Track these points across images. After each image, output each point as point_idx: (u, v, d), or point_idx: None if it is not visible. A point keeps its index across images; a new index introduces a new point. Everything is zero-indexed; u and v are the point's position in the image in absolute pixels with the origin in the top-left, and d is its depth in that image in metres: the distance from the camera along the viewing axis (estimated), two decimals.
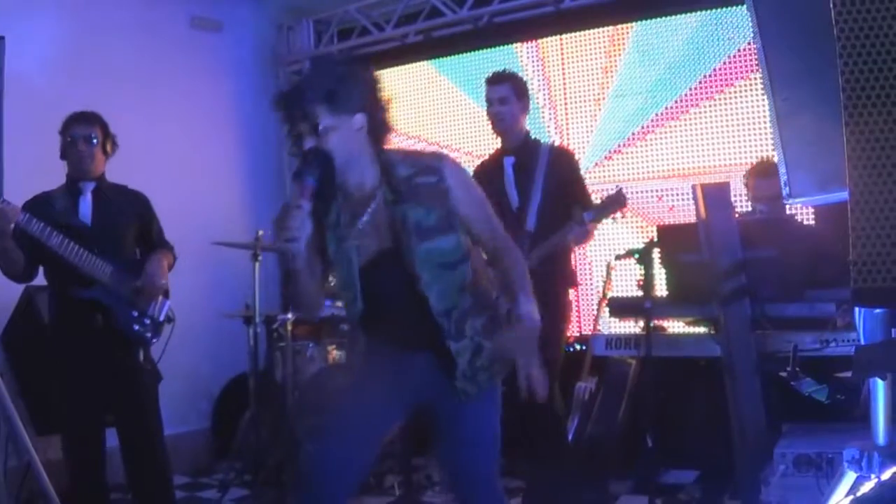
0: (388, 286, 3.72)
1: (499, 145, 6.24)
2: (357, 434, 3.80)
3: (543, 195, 5.83)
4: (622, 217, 6.17)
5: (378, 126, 3.72)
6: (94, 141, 5.38)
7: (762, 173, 6.04)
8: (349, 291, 3.77)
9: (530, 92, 6.15)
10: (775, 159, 6.16)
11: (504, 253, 3.84)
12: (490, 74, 6.13)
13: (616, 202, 5.62)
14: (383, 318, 3.80)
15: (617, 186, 5.84)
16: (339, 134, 3.60)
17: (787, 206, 5.93)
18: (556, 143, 7.24)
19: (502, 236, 3.87)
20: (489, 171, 6.12)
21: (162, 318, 5.53)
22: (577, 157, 6.42)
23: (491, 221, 3.86)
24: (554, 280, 5.86)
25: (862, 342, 2.78)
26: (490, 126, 6.10)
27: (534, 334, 3.66)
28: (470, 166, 6.99)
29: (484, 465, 3.96)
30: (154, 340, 5.51)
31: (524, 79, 6.17)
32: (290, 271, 3.68)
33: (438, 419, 3.99)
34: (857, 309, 2.74)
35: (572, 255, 6.13)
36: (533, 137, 6.18)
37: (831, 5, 2.37)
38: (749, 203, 6.32)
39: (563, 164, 5.98)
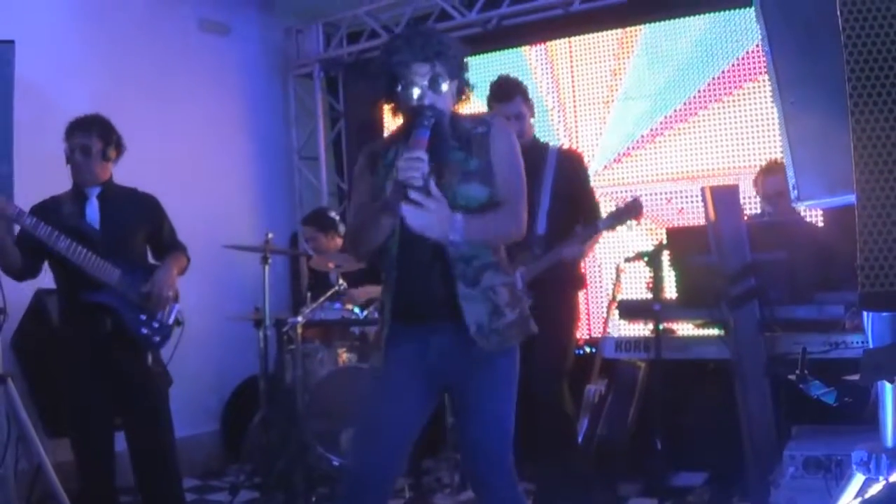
0: (421, 237, 3.74)
1: None
2: (394, 437, 3.92)
3: (553, 198, 5.84)
4: (637, 224, 6.16)
5: (461, 92, 4.00)
6: (92, 151, 5.37)
7: (769, 170, 6.06)
8: (390, 238, 3.88)
9: (539, 95, 6.15)
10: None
11: (502, 208, 3.89)
12: (496, 91, 6.05)
13: (632, 211, 5.61)
14: (412, 271, 3.90)
15: (626, 191, 5.84)
16: (448, 94, 3.89)
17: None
18: (565, 146, 7.22)
19: (513, 201, 3.92)
20: None
21: (171, 321, 5.52)
22: (585, 159, 6.41)
23: (512, 187, 3.93)
24: (562, 283, 5.87)
25: (870, 345, 2.79)
26: None
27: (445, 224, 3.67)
28: None
29: (500, 437, 3.98)
30: (163, 344, 5.50)
31: (523, 81, 6.15)
32: (374, 217, 3.80)
33: (459, 396, 4.06)
34: (865, 312, 2.74)
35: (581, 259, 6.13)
36: (540, 141, 6.18)
37: (838, 10, 2.38)
38: (758, 205, 6.32)
39: (571, 167, 5.98)
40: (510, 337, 3.94)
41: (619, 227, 5.81)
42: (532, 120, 6.08)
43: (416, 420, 4.02)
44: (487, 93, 6.06)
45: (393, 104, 4.00)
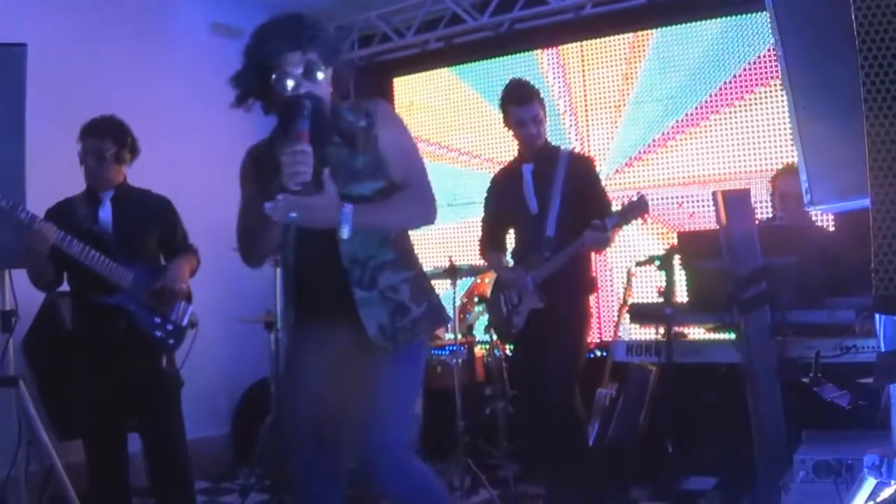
0: (316, 237, 3.73)
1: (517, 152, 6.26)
2: (315, 431, 3.92)
3: (563, 201, 5.85)
4: (643, 223, 6.16)
5: (340, 80, 3.93)
6: (106, 155, 5.39)
7: (783, 172, 6.06)
8: (286, 237, 3.90)
9: (551, 99, 6.16)
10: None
11: (401, 193, 3.82)
12: (515, 94, 6.06)
13: (638, 208, 5.62)
14: (308, 270, 3.91)
15: (638, 193, 5.85)
16: (324, 83, 3.80)
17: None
18: (576, 150, 7.22)
19: (414, 184, 3.84)
20: (508, 178, 6.15)
21: (185, 322, 5.53)
22: (597, 163, 6.41)
23: (410, 172, 3.87)
24: (574, 287, 5.88)
25: (882, 349, 2.78)
26: (517, 140, 6.09)
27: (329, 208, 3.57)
28: (490, 172, 7.01)
29: (391, 432, 3.81)
30: (176, 346, 5.51)
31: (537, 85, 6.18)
32: (263, 221, 3.63)
33: (357, 388, 3.90)
34: (877, 316, 2.74)
35: (592, 262, 6.13)
36: (552, 144, 6.19)
37: (853, 14, 2.38)
38: (770, 208, 6.32)
39: (582, 171, 5.99)
40: (418, 331, 3.92)
41: (626, 225, 5.81)
42: (545, 124, 6.09)
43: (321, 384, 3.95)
44: (501, 95, 6.07)
45: (265, 98, 3.90)
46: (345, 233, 3.57)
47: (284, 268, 3.99)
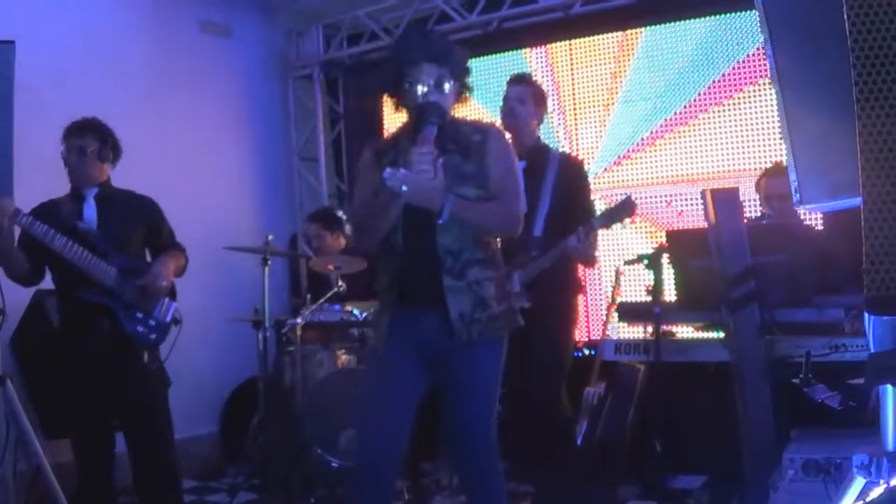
0: (420, 228, 4.12)
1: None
2: (393, 410, 4.24)
3: (552, 201, 5.85)
4: (631, 223, 6.16)
5: (461, 94, 4.32)
6: (87, 151, 5.39)
7: (773, 173, 6.08)
8: (393, 231, 4.20)
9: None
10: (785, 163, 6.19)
11: (495, 201, 4.24)
12: (514, 75, 6.27)
13: (624, 209, 5.62)
14: (409, 257, 4.19)
15: (626, 193, 5.86)
16: (450, 95, 4.23)
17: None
18: (567, 152, 7.22)
19: (507, 197, 4.27)
20: None
21: (168, 319, 5.51)
22: (585, 162, 6.42)
23: (507, 185, 4.27)
24: (560, 288, 5.87)
25: (871, 349, 2.78)
26: (501, 123, 6.13)
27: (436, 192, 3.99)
28: None
29: (480, 417, 4.26)
30: (159, 342, 5.49)
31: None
32: (383, 206, 4.08)
33: (443, 374, 4.29)
34: (867, 316, 2.74)
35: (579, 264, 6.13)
36: (545, 144, 6.21)
37: (845, 12, 2.37)
38: (758, 208, 6.33)
39: (572, 174, 6.00)
40: (495, 328, 4.24)
41: (613, 226, 5.82)
42: (538, 125, 6.16)
43: (412, 394, 4.31)
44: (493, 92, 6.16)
45: (396, 99, 4.32)
46: (444, 216, 4.00)
47: (389, 252, 4.25)
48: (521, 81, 6.14)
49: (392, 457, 4.23)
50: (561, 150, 6.84)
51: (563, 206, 5.84)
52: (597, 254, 5.99)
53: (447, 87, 4.20)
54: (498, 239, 4.48)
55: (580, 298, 6.22)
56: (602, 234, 6.07)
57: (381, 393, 4.31)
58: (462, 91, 4.32)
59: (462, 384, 4.26)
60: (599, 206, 6.24)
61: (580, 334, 6.82)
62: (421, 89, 4.15)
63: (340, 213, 8.13)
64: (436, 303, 4.13)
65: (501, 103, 6.09)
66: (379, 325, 4.37)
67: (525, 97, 6.01)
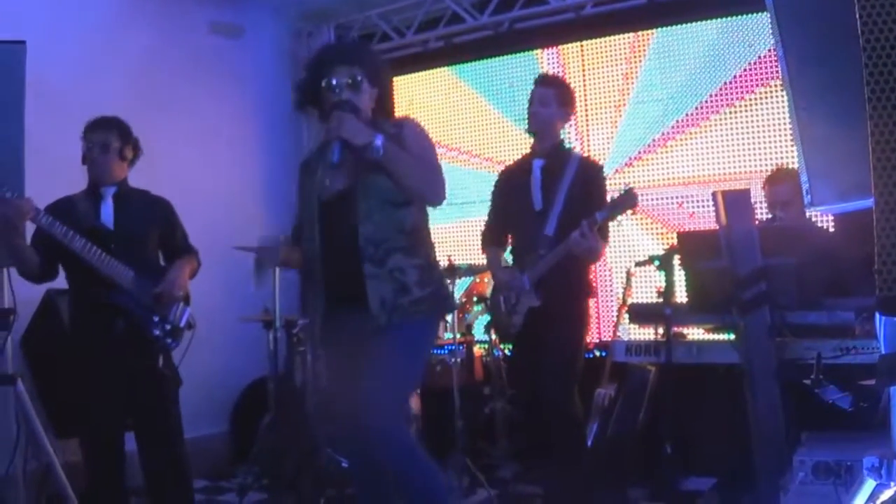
0: (340, 220, 4.33)
1: (522, 151, 6.29)
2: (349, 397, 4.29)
3: (566, 202, 5.85)
4: (633, 214, 6.15)
5: (382, 101, 4.58)
6: (111, 147, 5.41)
7: (775, 179, 6.07)
8: (310, 228, 4.46)
9: None
10: (791, 166, 6.18)
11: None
12: (540, 75, 6.33)
13: (626, 201, 5.63)
14: (332, 259, 4.38)
15: (626, 186, 5.87)
16: (365, 96, 4.44)
17: (808, 213, 5.93)
18: (586, 156, 7.21)
19: (429, 163, 4.46)
20: (517, 172, 6.18)
21: (182, 323, 5.53)
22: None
23: (424, 155, 4.42)
24: (572, 288, 5.87)
25: (882, 351, 2.78)
26: (527, 125, 6.15)
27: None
28: (489, 171, 7.01)
29: (382, 403, 4.19)
30: (174, 346, 5.51)
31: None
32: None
33: (364, 357, 4.32)
34: (878, 317, 2.73)
35: (590, 266, 6.11)
36: (566, 146, 6.22)
37: (857, 13, 2.37)
38: (768, 210, 6.32)
39: (589, 177, 5.99)
40: (416, 311, 4.33)
41: (617, 219, 5.84)
42: (564, 125, 6.23)
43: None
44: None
45: (318, 108, 4.53)
46: (377, 147, 4.12)
47: (309, 260, 4.49)
48: (545, 83, 6.16)
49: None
50: (581, 153, 6.86)
51: (577, 207, 5.82)
52: (604, 248, 5.94)
53: (362, 86, 4.40)
54: (427, 243, 4.57)
55: (591, 301, 6.21)
56: (613, 235, 6.07)
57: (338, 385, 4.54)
58: (384, 101, 4.59)
59: (373, 360, 4.28)
60: None
61: (591, 336, 6.80)
62: (335, 88, 4.36)
63: None
64: (359, 292, 4.25)
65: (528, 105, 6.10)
66: (312, 327, 4.58)
67: (548, 99, 6.01)
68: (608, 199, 6.02)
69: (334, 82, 4.36)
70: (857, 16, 2.35)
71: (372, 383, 4.20)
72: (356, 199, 4.32)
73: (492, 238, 6.36)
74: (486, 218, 6.47)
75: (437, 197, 4.43)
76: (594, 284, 6.20)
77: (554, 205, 5.87)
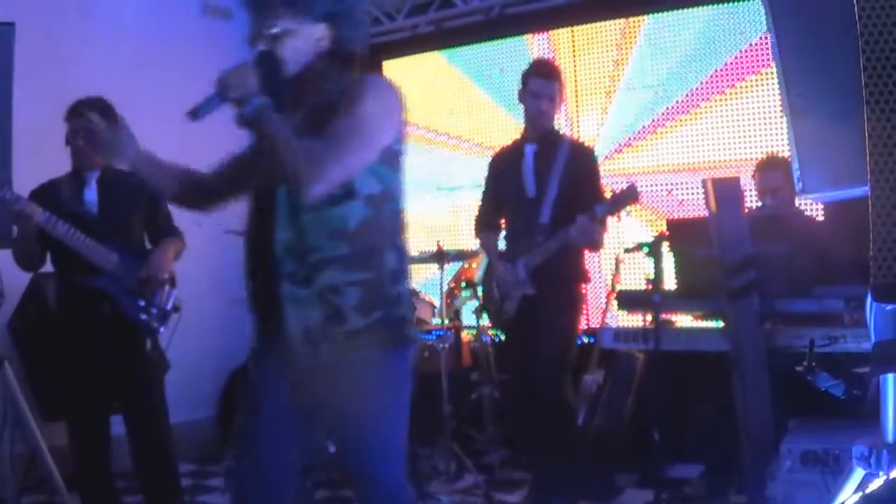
0: (263, 221, 3.38)
1: (511, 136, 6.28)
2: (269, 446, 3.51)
3: (560, 188, 5.83)
4: (635, 209, 6.15)
5: (341, 41, 3.44)
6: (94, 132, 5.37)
7: (766, 166, 6.07)
8: (246, 225, 3.60)
9: None
10: (782, 154, 6.18)
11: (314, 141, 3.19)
12: (543, 68, 6.12)
13: (628, 197, 5.62)
14: (252, 265, 3.51)
15: (629, 181, 5.85)
16: (296, 42, 3.39)
17: (797, 201, 5.94)
18: (578, 139, 7.19)
19: (330, 142, 3.18)
20: (509, 157, 6.16)
21: (169, 307, 5.51)
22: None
23: (336, 133, 3.20)
24: (566, 275, 5.87)
25: (872, 339, 2.77)
26: (525, 114, 6.09)
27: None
28: (479, 157, 7.00)
29: (369, 458, 3.44)
30: (161, 330, 5.49)
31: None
32: (263, 137, 3.32)
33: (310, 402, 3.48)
34: (868, 305, 2.73)
35: (584, 252, 6.10)
36: (557, 130, 6.20)
37: (856, 15, 2.35)
38: (757, 198, 6.33)
39: (582, 161, 5.98)
40: (355, 346, 3.30)
41: (618, 213, 5.82)
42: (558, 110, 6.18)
43: (285, 425, 3.51)
44: (527, 68, 6.12)
45: None
46: (248, 106, 3.23)
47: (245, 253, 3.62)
48: (553, 76, 6.04)
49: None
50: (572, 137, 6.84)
51: (571, 193, 5.82)
52: (603, 236, 5.93)
53: (302, 32, 3.37)
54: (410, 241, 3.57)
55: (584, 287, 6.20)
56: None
57: (252, 423, 3.58)
58: (340, 37, 3.44)
59: (336, 418, 3.49)
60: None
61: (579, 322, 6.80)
62: (257, 39, 3.45)
63: None
64: (277, 320, 3.32)
65: (527, 95, 6.02)
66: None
67: (555, 93, 5.97)
68: (601, 184, 6.02)
69: (255, 35, 3.44)
70: (857, 16, 2.34)
71: (357, 450, 3.46)
72: (273, 191, 3.35)
73: (485, 224, 6.35)
74: (475, 203, 6.46)
75: (307, 188, 3.13)
76: (588, 271, 6.19)
77: (547, 192, 5.86)
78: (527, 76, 6.04)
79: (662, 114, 7.86)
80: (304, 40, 3.39)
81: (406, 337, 3.45)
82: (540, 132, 6.01)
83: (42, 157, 5.46)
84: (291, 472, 3.56)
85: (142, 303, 5.37)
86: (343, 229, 3.28)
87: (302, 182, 3.12)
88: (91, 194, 5.42)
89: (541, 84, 5.98)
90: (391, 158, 3.41)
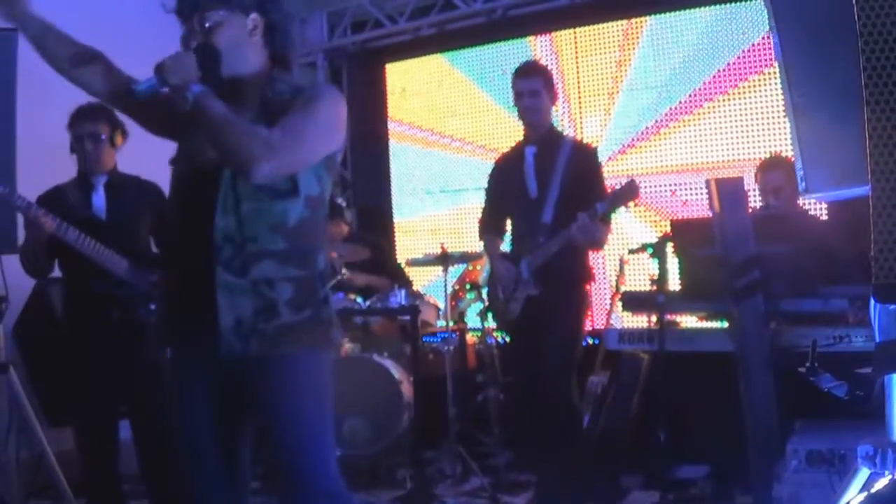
0: (197, 204, 3.32)
1: (515, 139, 6.28)
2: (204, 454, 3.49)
3: (562, 188, 5.83)
4: (635, 206, 6.15)
5: (274, 29, 3.46)
6: (101, 137, 5.37)
7: (768, 166, 6.07)
8: (171, 208, 3.59)
9: None
10: (785, 154, 6.18)
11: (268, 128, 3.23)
12: (520, 66, 6.14)
13: (628, 192, 5.62)
14: (183, 250, 3.44)
15: (629, 178, 5.85)
16: (228, 32, 3.39)
17: (801, 200, 5.94)
18: (579, 139, 7.19)
19: (283, 130, 3.21)
20: (510, 160, 6.16)
21: None
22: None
23: (289, 123, 3.24)
24: (570, 275, 5.86)
25: (877, 339, 2.77)
26: (519, 117, 6.10)
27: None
28: (482, 159, 7.00)
29: (302, 456, 3.41)
30: None
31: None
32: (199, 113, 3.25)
33: (243, 399, 3.44)
34: (872, 305, 2.73)
35: (588, 252, 6.10)
36: (558, 130, 6.20)
37: (856, 16, 2.35)
38: (760, 198, 6.32)
39: (583, 160, 5.97)
40: (287, 342, 3.32)
41: (618, 209, 5.82)
42: (553, 110, 6.18)
43: (211, 423, 3.46)
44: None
45: None
46: (190, 94, 3.21)
47: (168, 240, 3.71)
48: (530, 73, 6.05)
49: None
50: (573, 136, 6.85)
51: (573, 192, 5.81)
52: (607, 235, 5.93)
53: (235, 23, 3.39)
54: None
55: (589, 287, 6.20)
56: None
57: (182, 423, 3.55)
58: (273, 25, 3.47)
59: (266, 416, 3.42)
60: None
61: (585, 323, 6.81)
62: (189, 33, 3.50)
63: (340, 201, 8.10)
64: (209, 306, 3.25)
65: (514, 98, 6.03)
66: (162, 334, 3.63)
67: (538, 88, 5.96)
68: (604, 182, 6.02)
69: (196, 28, 3.44)
70: (856, 16, 2.34)
71: (290, 446, 3.40)
72: (219, 179, 3.29)
73: (489, 227, 6.35)
74: (479, 205, 6.47)
75: (256, 166, 3.13)
76: (592, 270, 6.18)
77: (549, 192, 5.85)
78: (512, 81, 6.07)
79: (665, 114, 7.87)
80: (236, 29, 3.40)
81: (331, 341, 3.49)
82: (538, 132, 6.00)
83: (46, 164, 5.46)
84: (241, 477, 3.54)
85: (153, 307, 5.37)
86: (282, 224, 3.31)
87: (252, 159, 3.14)
88: (99, 199, 5.41)
89: (519, 82, 6.01)
90: (331, 166, 3.49)
